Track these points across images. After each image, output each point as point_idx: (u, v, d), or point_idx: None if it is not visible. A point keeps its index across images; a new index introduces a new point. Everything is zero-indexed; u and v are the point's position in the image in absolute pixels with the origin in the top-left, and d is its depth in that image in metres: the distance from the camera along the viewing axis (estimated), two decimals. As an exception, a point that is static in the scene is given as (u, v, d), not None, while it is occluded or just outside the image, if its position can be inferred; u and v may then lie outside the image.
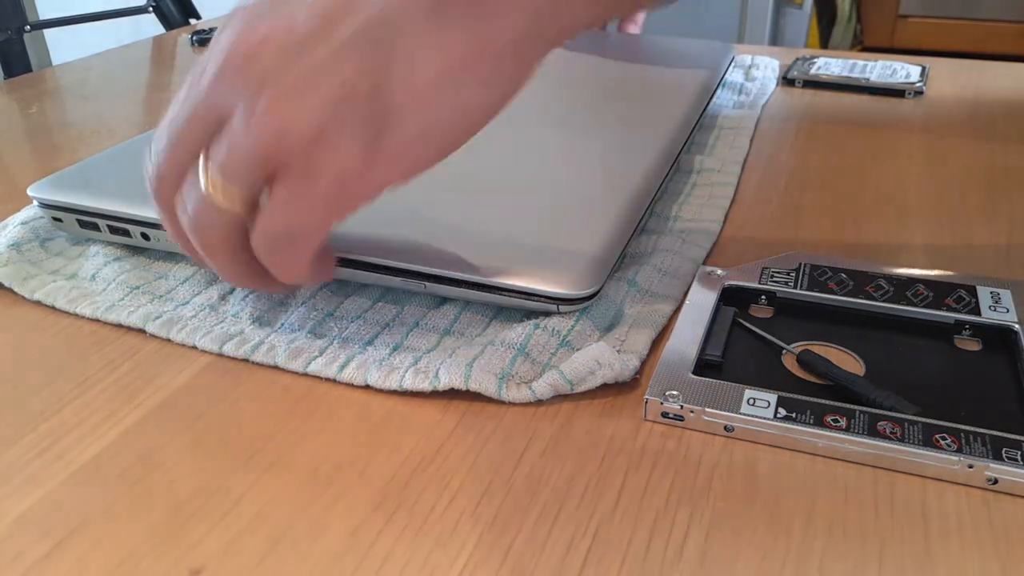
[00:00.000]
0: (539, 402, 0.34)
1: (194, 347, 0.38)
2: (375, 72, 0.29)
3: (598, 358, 0.33)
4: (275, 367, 0.36)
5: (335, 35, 0.29)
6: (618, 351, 0.35)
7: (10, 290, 0.42)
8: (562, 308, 0.36)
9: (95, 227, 0.44)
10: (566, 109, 0.55)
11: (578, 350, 0.35)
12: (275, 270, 0.33)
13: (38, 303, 0.42)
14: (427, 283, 0.38)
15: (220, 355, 0.37)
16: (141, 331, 0.39)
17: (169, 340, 0.38)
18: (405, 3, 0.29)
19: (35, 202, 0.45)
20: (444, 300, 0.40)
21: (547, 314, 0.37)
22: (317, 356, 0.36)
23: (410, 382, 0.34)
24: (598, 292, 0.37)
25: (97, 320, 0.40)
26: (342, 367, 0.35)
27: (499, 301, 0.37)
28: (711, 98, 0.59)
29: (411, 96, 0.29)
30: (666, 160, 0.48)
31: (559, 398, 0.34)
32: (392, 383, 0.34)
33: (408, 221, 0.39)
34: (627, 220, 0.41)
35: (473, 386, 0.33)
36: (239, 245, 0.32)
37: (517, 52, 0.30)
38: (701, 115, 0.56)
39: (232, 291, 0.41)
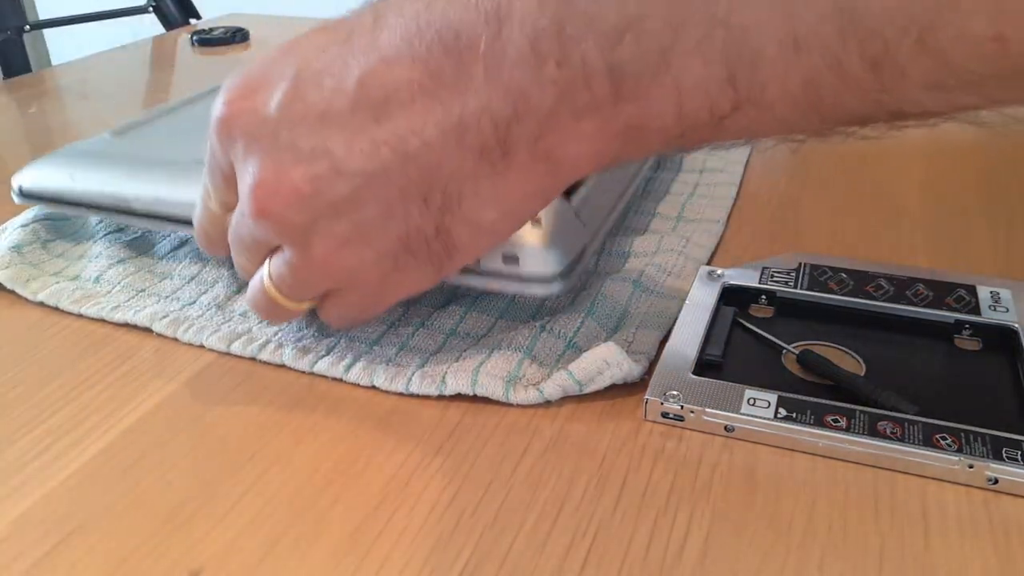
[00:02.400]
0: (541, 403, 0.34)
1: (201, 346, 0.38)
2: (436, 218, 0.29)
3: (606, 358, 0.33)
4: (281, 366, 0.36)
5: (384, 190, 0.29)
6: (626, 351, 0.35)
7: (11, 292, 0.42)
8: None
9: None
10: None
11: (585, 352, 0.35)
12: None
13: (37, 304, 0.42)
14: None
15: (225, 354, 0.37)
16: (142, 332, 0.39)
17: (176, 339, 0.38)
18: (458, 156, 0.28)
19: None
20: (450, 300, 0.40)
21: (552, 315, 0.37)
22: (324, 355, 0.36)
23: (417, 386, 0.34)
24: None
25: (101, 320, 0.40)
26: (349, 367, 0.35)
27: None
28: None
29: (472, 232, 0.30)
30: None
31: (560, 398, 0.34)
32: (399, 386, 0.34)
33: None
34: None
35: (480, 391, 0.33)
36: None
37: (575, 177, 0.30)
38: None
39: (239, 290, 0.41)
